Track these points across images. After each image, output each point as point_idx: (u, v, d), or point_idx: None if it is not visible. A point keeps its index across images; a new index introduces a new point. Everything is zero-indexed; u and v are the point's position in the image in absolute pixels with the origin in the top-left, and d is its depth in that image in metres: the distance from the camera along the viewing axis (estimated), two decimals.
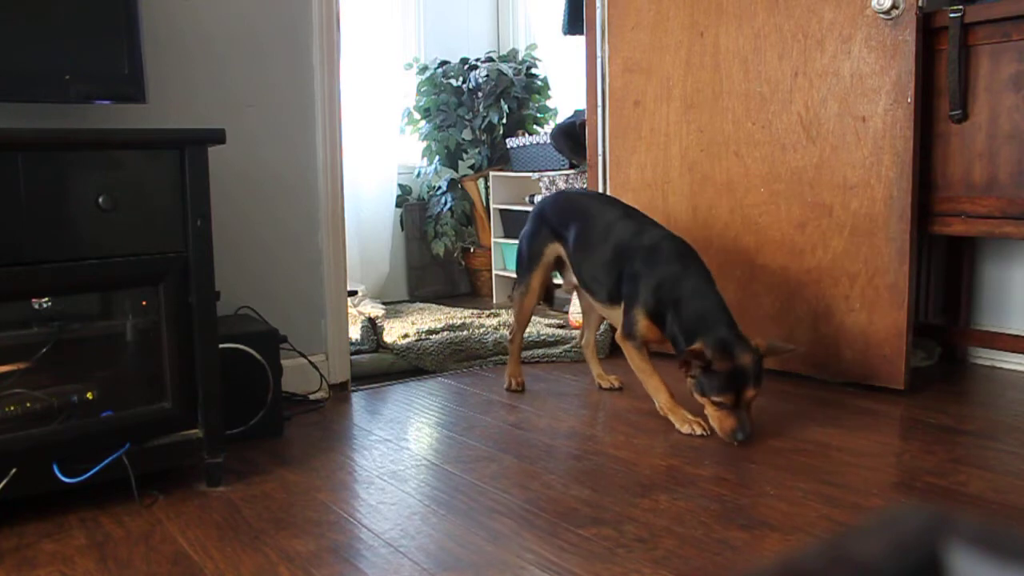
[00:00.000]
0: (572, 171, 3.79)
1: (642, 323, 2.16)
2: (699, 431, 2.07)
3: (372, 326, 3.03)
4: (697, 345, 1.98)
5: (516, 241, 4.09)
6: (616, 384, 2.54)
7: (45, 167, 1.57)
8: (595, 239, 2.31)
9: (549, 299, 2.67)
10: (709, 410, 2.01)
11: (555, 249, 2.46)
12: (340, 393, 2.51)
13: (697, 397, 2.02)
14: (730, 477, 1.77)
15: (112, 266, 1.65)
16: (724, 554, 1.42)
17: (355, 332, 2.93)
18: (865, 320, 2.40)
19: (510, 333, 2.57)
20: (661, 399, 2.19)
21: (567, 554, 1.43)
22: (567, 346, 2.96)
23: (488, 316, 3.65)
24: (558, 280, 2.65)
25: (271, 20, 2.34)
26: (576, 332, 3.14)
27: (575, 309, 3.39)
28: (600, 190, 3.08)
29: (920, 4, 2.23)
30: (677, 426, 2.10)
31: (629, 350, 2.22)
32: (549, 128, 4.23)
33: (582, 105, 3.30)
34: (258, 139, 2.34)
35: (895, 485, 1.75)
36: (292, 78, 2.39)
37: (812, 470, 1.80)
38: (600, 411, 2.36)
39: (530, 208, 4.01)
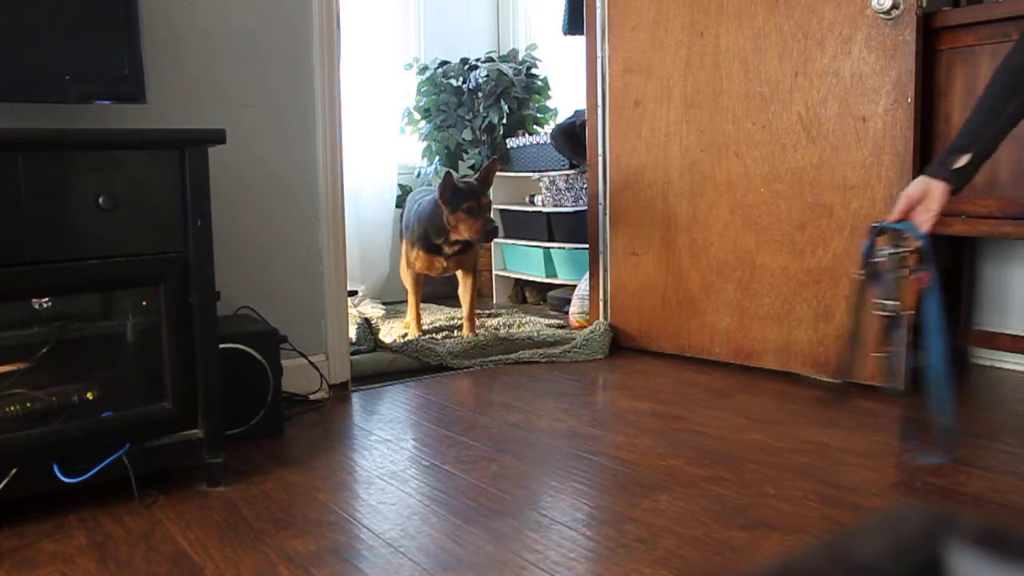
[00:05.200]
0: (572, 171, 3.79)
1: (411, 252, 3.22)
2: (410, 334, 3.18)
3: (368, 325, 3.03)
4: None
5: (517, 242, 4.13)
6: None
7: (45, 167, 1.57)
8: (408, 210, 3.33)
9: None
10: (462, 224, 3.00)
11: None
12: (340, 393, 2.51)
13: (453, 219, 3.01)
14: (730, 477, 1.77)
15: (112, 266, 1.65)
16: (724, 554, 1.42)
17: (352, 332, 2.93)
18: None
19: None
20: (409, 315, 3.32)
21: (567, 554, 1.43)
22: (567, 346, 2.96)
23: (488, 316, 3.65)
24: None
25: (271, 20, 2.34)
26: (577, 332, 3.14)
27: (575, 309, 3.40)
28: (600, 190, 3.08)
29: (920, 4, 2.23)
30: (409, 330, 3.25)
31: (401, 272, 3.38)
32: (549, 128, 4.23)
33: (582, 105, 3.30)
34: (258, 139, 2.34)
35: (895, 485, 1.75)
36: (292, 78, 2.39)
37: (812, 470, 1.80)
38: (600, 411, 2.36)
39: (531, 208, 4.02)
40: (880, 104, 2.33)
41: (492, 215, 4.30)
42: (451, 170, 3.02)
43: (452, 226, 3.04)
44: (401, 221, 3.57)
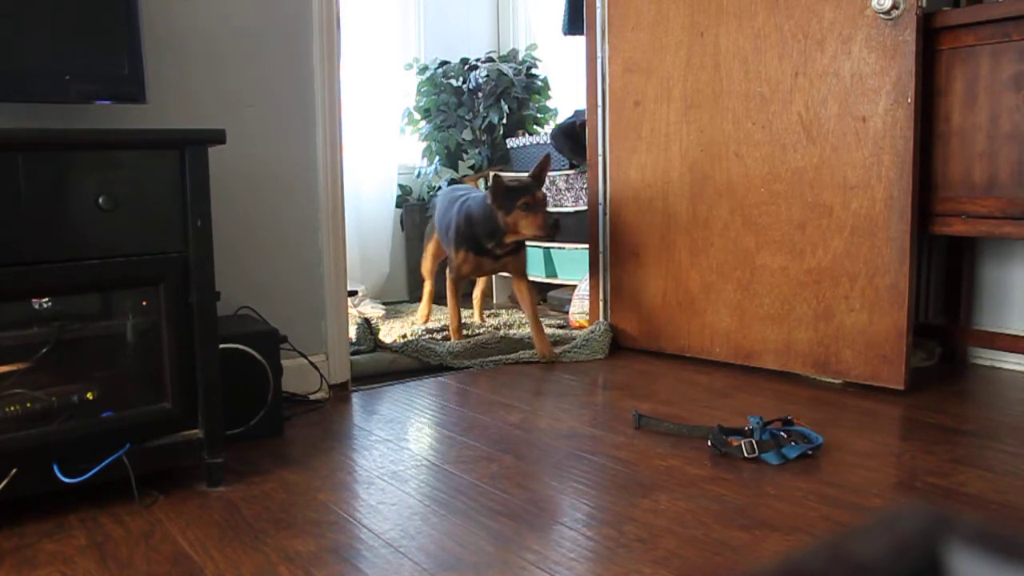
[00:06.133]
0: (572, 171, 3.79)
1: (458, 257, 3.07)
2: (452, 337, 3.09)
3: (368, 325, 3.03)
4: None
5: None
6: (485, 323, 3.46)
7: (45, 167, 1.57)
8: (443, 212, 3.23)
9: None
10: (522, 221, 2.85)
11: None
12: (340, 393, 2.51)
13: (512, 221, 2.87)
14: (730, 477, 1.77)
15: (112, 266, 1.65)
16: (724, 554, 1.42)
17: (352, 332, 2.93)
18: (865, 320, 2.40)
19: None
20: (452, 324, 3.13)
21: (567, 554, 1.43)
22: (567, 346, 2.96)
23: (489, 316, 3.65)
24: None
25: (271, 20, 2.34)
26: (577, 332, 3.14)
27: (575, 309, 3.40)
28: (600, 190, 3.08)
29: (920, 4, 2.23)
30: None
31: (448, 283, 3.16)
32: (549, 128, 4.23)
33: (582, 105, 3.30)
34: (258, 139, 2.34)
35: (895, 485, 1.75)
36: (292, 78, 2.39)
37: (812, 470, 1.80)
38: (600, 411, 2.36)
39: None
40: (880, 104, 2.33)
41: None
42: (498, 173, 2.89)
43: (511, 227, 2.88)
44: (434, 221, 3.44)
